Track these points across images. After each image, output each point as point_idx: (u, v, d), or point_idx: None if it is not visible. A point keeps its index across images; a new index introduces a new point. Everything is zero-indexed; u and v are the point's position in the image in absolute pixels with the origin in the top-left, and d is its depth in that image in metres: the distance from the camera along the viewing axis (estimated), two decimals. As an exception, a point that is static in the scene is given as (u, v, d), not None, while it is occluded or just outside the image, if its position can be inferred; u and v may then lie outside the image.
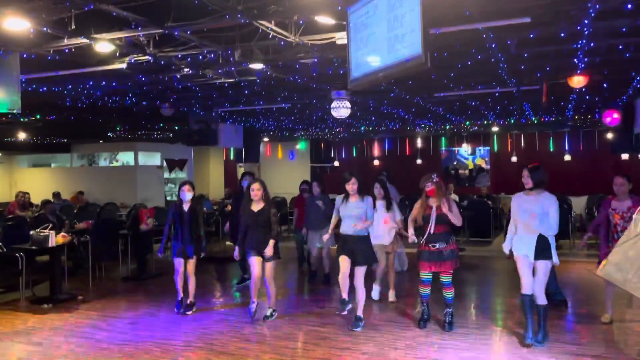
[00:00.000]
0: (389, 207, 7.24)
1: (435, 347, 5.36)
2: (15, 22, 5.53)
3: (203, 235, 6.83)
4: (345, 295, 6.12)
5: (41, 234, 7.27)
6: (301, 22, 6.12)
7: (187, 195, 6.76)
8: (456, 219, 5.83)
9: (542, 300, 5.34)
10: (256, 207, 6.35)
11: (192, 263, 6.76)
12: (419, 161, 20.24)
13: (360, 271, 6.02)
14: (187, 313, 6.70)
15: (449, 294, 5.95)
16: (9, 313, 6.86)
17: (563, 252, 10.96)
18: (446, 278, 5.90)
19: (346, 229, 6.08)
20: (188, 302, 6.82)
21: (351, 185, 6.08)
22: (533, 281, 5.34)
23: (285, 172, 20.31)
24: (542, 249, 5.28)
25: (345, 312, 6.31)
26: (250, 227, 6.36)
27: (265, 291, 6.44)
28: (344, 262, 6.04)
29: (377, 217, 6.77)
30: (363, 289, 6.06)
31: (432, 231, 5.80)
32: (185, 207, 6.75)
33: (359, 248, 6.01)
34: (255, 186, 6.35)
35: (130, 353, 5.31)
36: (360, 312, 6.09)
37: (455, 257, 5.88)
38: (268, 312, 6.44)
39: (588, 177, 17.31)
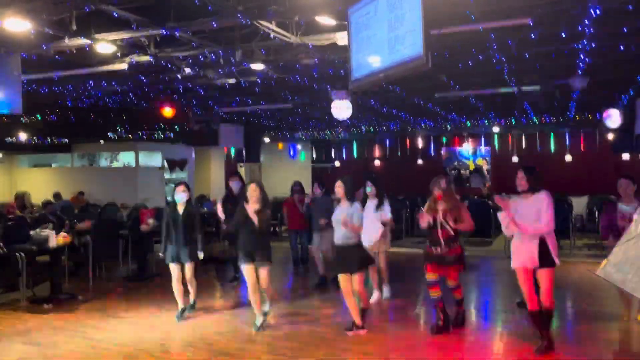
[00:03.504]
0: (378, 206, 6.92)
1: (435, 348, 5.36)
2: (16, 22, 5.54)
3: (200, 238, 6.41)
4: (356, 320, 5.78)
5: (42, 234, 7.26)
6: (302, 22, 6.13)
7: (182, 196, 6.38)
8: (466, 226, 5.65)
9: (550, 304, 4.97)
10: (251, 209, 5.85)
11: (189, 268, 6.38)
12: (419, 161, 20.25)
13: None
14: (186, 315, 6.47)
15: (458, 296, 5.86)
16: (9, 313, 6.86)
17: (563, 252, 10.95)
18: (452, 283, 5.78)
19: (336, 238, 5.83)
20: (190, 301, 6.63)
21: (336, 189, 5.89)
22: (539, 292, 4.95)
23: (285, 172, 20.32)
24: (544, 256, 4.87)
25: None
26: (241, 231, 5.97)
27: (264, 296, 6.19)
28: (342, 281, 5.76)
29: (365, 217, 6.70)
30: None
31: (436, 235, 5.61)
32: (180, 209, 6.38)
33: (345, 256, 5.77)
34: (252, 187, 5.90)
35: (130, 353, 5.29)
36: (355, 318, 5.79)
37: (459, 262, 5.67)
38: (258, 322, 5.95)
39: (589, 177, 17.30)
